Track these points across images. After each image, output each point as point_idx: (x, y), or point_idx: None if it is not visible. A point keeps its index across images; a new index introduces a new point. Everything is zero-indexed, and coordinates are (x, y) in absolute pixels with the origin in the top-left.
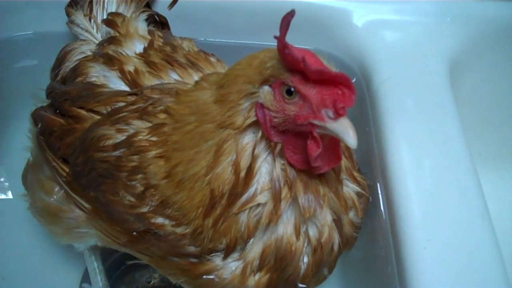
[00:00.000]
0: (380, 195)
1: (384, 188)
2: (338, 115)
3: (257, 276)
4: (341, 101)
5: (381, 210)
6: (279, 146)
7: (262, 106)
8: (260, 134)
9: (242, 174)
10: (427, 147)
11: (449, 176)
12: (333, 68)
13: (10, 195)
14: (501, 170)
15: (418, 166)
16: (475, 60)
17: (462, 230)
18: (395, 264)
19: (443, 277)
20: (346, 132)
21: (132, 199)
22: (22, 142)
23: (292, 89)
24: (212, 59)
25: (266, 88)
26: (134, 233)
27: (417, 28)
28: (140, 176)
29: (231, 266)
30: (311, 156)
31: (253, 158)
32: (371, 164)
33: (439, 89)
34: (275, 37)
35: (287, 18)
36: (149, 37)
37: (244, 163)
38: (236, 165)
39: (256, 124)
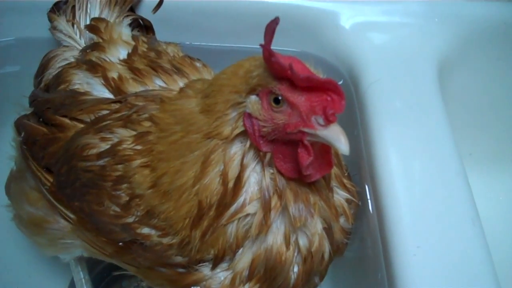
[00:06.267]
0: (369, 200)
1: (373, 192)
2: (328, 121)
3: (246, 287)
4: (331, 107)
5: (370, 214)
6: (268, 155)
7: (250, 115)
8: (248, 143)
9: (231, 184)
10: (416, 150)
11: (439, 180)
12: (321, 75)
13: None
14: (492, 170)
15: (407, 170)
16: (464, 61)
17: (453, 236)
18: (384, 270)
19: (433, 284)
20: (338, 138)
21: (117, 209)
22: (6, 151)
23: (280, 98)
24: (197, 64)
25: (253, 97)
26: (120, 243)
27: (405, 30)
28: (125, 185)
29: (219, 277)
30: (302, 165)
31: (242, 168)
32: (359, 168)
33: (428, 91)
34: (261, 46)
35: (272, 26)
36: (133, 42)
37: (232, 173)
38: (224, 176)
39: (244, 133)
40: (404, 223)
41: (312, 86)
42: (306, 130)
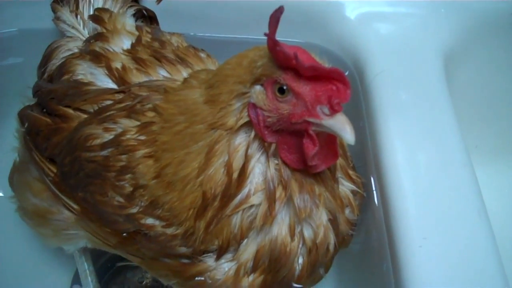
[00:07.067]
0: (374, 192)
1: (378, 184)
2: (333, 111)
3: (251, 278)
4: (336, 96)
5: (375, 206)
6: (273, 146)
7: (254, 106)
8: (253, 134)
9: (235, 175)
10: (421, 142)
11: (445, 171)
12: (326, 64)
13: None
14: (498, 162)
15: (413, 162)
16: (470, 52)
17: (459, 227)
18: (390, 262)
19: (439, 276)
20: (343, 128)
21: (121, 199)
22: (9, 143)
23: (285, 87)
24: (201, 54)
25: (257, 87)
26: (124, 234)
27: (411, 20)
28: (128, 176)
29: (224, 267)
30: (308, 155)
31: (246, 158)
32: (365, 160)
33: (434, 82)
34: (265, 35)
35: (276, 15)
36: (137, 33)
37: (236, 164)
38: (228, 166)
39: (248, 124)
40: (410, 214)
41: (317, 75)
42: (311, 120)
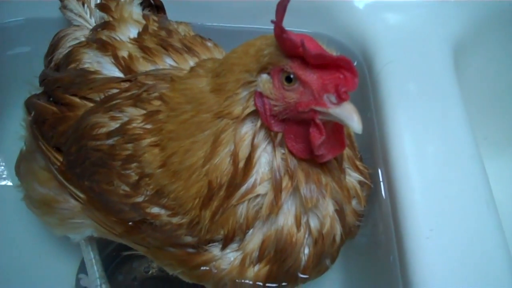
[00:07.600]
0: (381, 183)
1: (385, 175)
2: (340, 99)
3: (256, 268)
4: (344, 85)
5: (382, 198)
6: (279, 135)
7: (261, 95)
8: (259, 123)
9: (241, 164)
10: (430, 133)
11: (453, 163)
12: (334, 52)
13: (5, 184)
14: (507, 154)
15: (421, 153)
16: (479, 43)
17: (467, 219)
18: (397, 253)
19: (446, 268)
20: (350, 117)
21: (126, 188)
22: (16, 131)
23: (292, 76)
24: (208, 43)
25: (264, 76)
26: (130, 223)
27: (420, 10)
28: (134, 164)
29: (229, 257)
30: (314, 145)
31: (252, 148)
32: (372, 151)
33: (443, 73)
34: (272, 22)
35: (283, 3)
36: (143, 21)
37: (243, 153)
38: (234, 156)
39: (255, 113)
40: (417, 206)
41: (324, 63)
42: (318, 108)
